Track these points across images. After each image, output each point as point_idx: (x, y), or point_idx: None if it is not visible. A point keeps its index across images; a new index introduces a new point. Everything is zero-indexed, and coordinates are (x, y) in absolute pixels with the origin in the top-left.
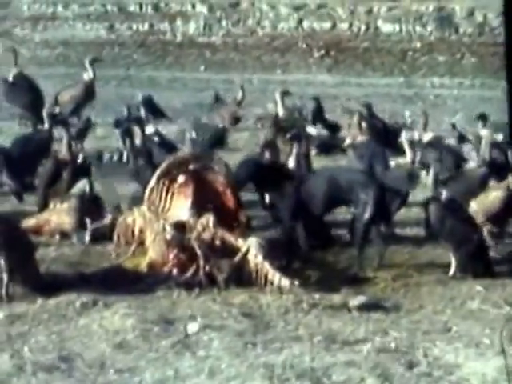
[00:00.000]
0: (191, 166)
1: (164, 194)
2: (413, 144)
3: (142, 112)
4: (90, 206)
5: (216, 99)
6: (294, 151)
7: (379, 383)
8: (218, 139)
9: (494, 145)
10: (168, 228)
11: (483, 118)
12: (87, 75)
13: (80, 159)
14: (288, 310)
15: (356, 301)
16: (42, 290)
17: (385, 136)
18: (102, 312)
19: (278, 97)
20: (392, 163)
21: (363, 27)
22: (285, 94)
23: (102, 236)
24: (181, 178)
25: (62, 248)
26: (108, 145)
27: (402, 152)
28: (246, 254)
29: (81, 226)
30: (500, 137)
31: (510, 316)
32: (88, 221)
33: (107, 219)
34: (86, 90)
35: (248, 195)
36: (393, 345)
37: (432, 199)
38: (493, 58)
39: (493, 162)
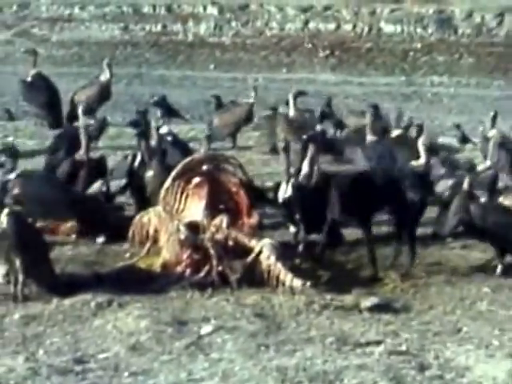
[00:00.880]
0: (205, 167)
1: (179, 194)
2: (428, 147)
3: (158, 112)
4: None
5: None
6: (309, 153)
7: None
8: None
9: (502, 145)
10: (182, 228)
11: (493, 118)
12: (104, 76)
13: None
14: (300, 310)
15: (367, 302)
16: (57, 290)
17: None
18: (117, 313)
19: (290, 97)
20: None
21: (366, 28)
22: (299, 94)
23: (118, 235)
24: (195, 179)
25: (78, 247)
26: (121, 144)
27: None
28: (258, 254)
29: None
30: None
31: None
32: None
33: None
34: (101, 91)
35: None
36: (404, 347)
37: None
38: (489, 58)
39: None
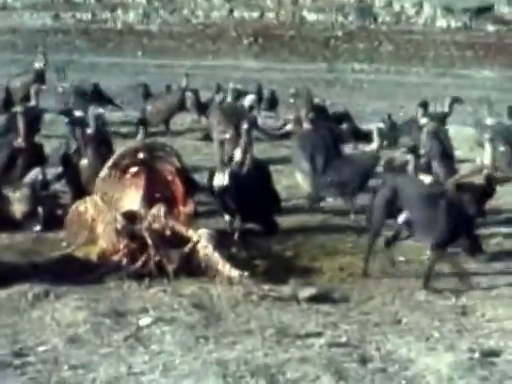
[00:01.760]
0: (141, 156)
1: (116, 184)
2: (382, 132)
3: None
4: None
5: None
6: (243, 141)
7: (334, 381)
8: None
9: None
10: (119, 218)
11: (424, 105)
12: (38, 63)
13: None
14: (238, 301)
15: (305, 292)
16: None
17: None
18: (54, 304)
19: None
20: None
21: (289, 16)
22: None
23: (54, 224)
24: (133, 169)
25: (14, 236)
26: (55, 132)
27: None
28: (196, 244)
29: (32, 214)
30: None
31: (456, 307)
32: (40, 209)
33: None
34: (36, 78)
35: None
36: (344, 338)
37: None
38: (408, 45)
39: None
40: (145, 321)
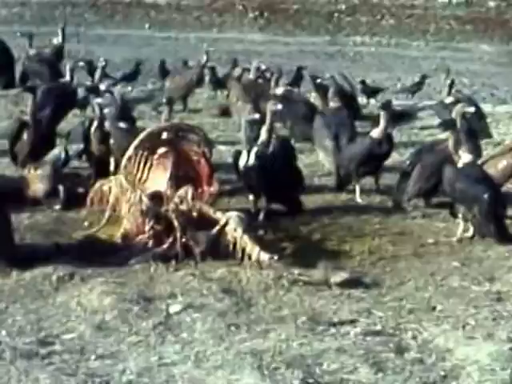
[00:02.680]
0: (168, 136)
1: (142, 164)
2: (388, 113)
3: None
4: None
5: (184, 63)
6: (267, 120)
7: (372, 373)
8: None
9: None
10: (144, 199)
11: (450, 85)
12: (57, 39)
13: None
14: (268, 286)
15: (337, 277)
16: (17, 263)
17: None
18: (79, 287)
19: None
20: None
21: None
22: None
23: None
24: (160, 150)
25: (35, 215)
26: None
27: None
28: (224, 226)
29: (54, 192)
30: None
31: (491, 293)
32: (61, 188)
33: None
34: (55, 54)
35: None
36: (379, 327)
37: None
38: (409, 19)
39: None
40: (174, 308)
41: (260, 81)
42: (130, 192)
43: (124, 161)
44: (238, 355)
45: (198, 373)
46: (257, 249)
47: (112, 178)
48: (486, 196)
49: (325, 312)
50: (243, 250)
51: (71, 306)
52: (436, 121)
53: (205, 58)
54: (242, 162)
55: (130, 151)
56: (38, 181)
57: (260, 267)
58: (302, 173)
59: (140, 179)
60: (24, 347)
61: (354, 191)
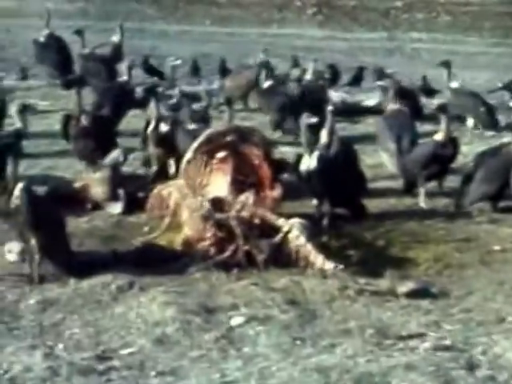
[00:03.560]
0: (228, 138)
1: (202, 168)
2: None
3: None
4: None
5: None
6: (328, 122)
7: None
8: None
9: None
10: (205, 204)
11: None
12: (116, 37)
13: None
14: (333, 297)
15: (404, 287)
16: (75, 271)
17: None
18: (139, 297)
19: (311, 63)
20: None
21: None
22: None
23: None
24: (220, 153)
25: (94, 220)
26: None
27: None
28: (286, 234)
29: (114, 196)
30: None
31: None
32: (121, 191)
33: None
34: (114, 52)
35: None
36: (449, 341)
37: None
38: (464, 16)
39: None
40: (237, 320)
41: (319, 81)
42: (191, 197)
43: (183, 165)
44: (304, 372)
45: None
46: (321, 257)
47: (172, 182)
48: None
49: (392, 324)
50: (307, 259)
51: (130, 317)
52: None
53: (262, 55)
54: (303, 166)
55: (190, 155)
56: (97, 184)
57: (324, 276)
58: (364, 176)
59: (200, 184)
60: (81, 363)
61: (417, 195)
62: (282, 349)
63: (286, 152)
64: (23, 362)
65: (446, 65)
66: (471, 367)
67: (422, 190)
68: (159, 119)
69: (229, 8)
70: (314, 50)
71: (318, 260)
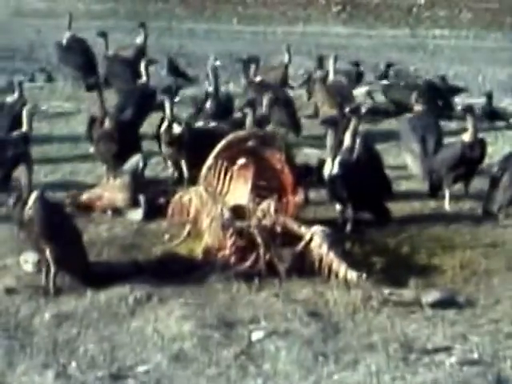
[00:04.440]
0: (249, 143)
1: (222, 174)
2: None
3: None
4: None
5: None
6: (352, 125)
7: None
8: None
9: None
10: (226, 212)
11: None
12: (139, 38)
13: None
14: (357, 308)
15: (429, 297)
16: (92, 282)
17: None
18: (157, 311)
19: (331, 62)
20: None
21: None
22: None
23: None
24: (240, 160)
25: (114, 227)
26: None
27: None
28: (309, 242)
29: (134, 203)
30: None
31: None
32: (141, 198)
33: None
34: (137, 53)
35: None
36: (476, 355)
37: None
38: (486, 13)
39: None
40: (257, 334)
41: (343, 81)
42: (211, 205)
43: (204, 171)
44: None
45: None
46: (344, 266)
47: (192, 188)
48: None
49: (417, 337)
50: (329, 268)
51: (147, 332)
52: None
53: (287, 56)
54: (326, 171)
55: (210, 161)
56: (117, 191)
57: (347, 286)
58: (389, 179)
59: (220, 191)
60: (95, 382)
61: (442, 198)
62: (304, 366)
63: (309, 154)
64: (34, 383)
65: None
66: (500, 383)
67: (447, 193)
68: (172, 120)
69: (255, 7)
70: (339, 48)
71: (341, 269)
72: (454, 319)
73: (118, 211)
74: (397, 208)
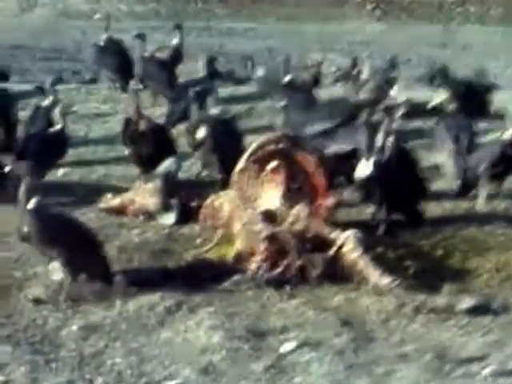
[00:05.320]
0: (280, 146)
1: (253, 179)
2: None
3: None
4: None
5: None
6: (384, 125)
7: None
8: None
9: None
10: (257, 217)
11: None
12: (175, 40)
13: None
14: (389, 316)
15: (463, 303)
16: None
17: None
18: (187, 320)
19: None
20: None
21: None
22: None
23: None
24: (271, 164)
25: (146, 231)
26: None
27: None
28: (341, 247)
29: (166, 207)
30: None
31: None
32: (174, 201)
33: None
34: (173, 54)
35: None
36: (511, 365)
37: None
38: None
39: None
40: (288, 346)
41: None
42: (242, 209)
43: (235, 174)
44: None
45: None
46: (377, 272)
47: (223, 192)
48: None
49: (451, 346)
50: (362, 273)
51: (176, 343)
52: None
53: (320, 56)
54: (359, 172)
55: (241, 164)
56: (149, 195)
57: (380, 293)
58: (424, 179)
59: (251, 195)
60: None
61: (473, 198)
62: (335, 379)
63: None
64: None
65: None
66: None
67: (483, 193)
68: (199, 122)
69: (291, 5)
70: (374, 45)
71: (374, 275)
72: (489, 327)
73: (150, 216)
74: (430, 209)
